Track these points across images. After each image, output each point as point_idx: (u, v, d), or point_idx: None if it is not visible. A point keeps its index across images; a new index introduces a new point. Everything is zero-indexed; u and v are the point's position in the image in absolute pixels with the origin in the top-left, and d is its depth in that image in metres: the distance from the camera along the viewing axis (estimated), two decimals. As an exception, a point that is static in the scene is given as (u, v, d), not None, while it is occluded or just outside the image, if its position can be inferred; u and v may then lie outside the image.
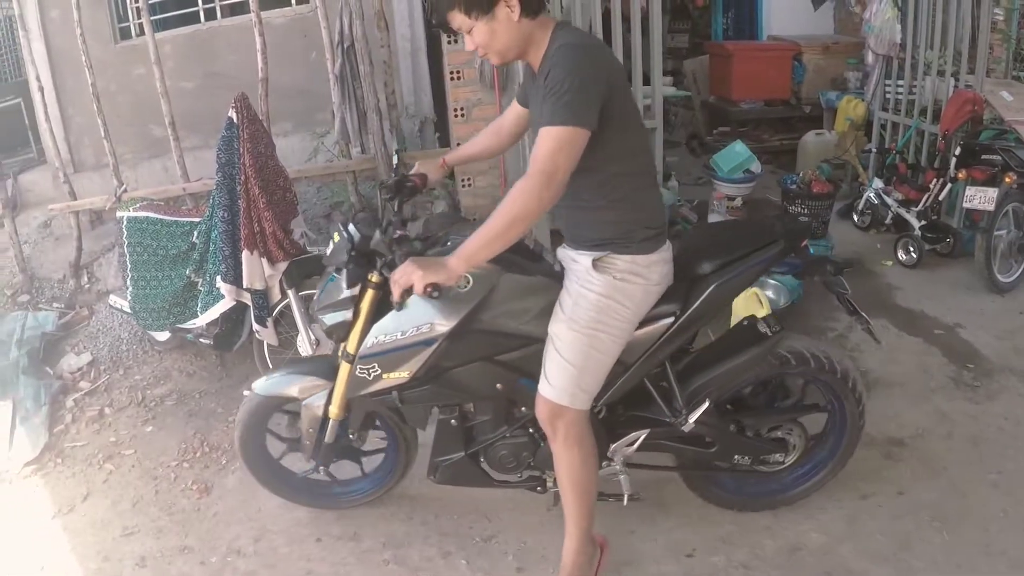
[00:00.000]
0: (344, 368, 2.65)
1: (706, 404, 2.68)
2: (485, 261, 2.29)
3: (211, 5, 6.41)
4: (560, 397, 2.44)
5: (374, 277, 2.51)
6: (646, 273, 2.43)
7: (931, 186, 5.27)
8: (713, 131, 8.34)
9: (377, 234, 2.48)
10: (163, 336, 4.41)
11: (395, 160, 2.89)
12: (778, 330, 2.72)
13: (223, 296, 3.86)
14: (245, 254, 3.74)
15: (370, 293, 2.53)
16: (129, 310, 4.26)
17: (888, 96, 6.46)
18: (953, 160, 5.06)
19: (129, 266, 4.19)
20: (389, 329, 2.52)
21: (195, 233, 4.02)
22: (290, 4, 6.48)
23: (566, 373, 2.42)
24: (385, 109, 5.16)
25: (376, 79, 5.07)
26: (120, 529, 3.28)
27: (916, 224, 5.25)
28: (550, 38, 2.28)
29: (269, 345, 4.06)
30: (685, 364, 2.77)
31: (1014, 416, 3.64)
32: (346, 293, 2.58)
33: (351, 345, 2.59)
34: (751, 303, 3.84)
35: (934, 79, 5.90)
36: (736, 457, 2.89)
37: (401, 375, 2.57)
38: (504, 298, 2.52)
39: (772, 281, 4.24)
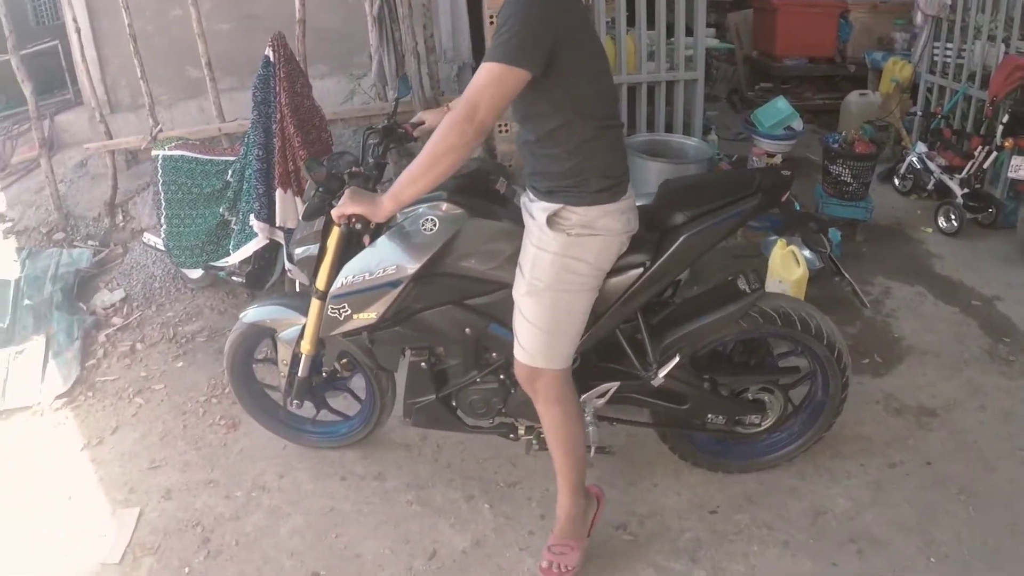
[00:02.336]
0: (315, 304, 2.66)
1: (676, 359, 2.64)
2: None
3: (250, -55, 6.32)
4: (535, 360, 2.41)
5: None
6: (603, 225, 2.33)
7: (976, 153, 5.16)
8: (755, 86, 8.21)
9: (320, 167, 2.46)
10: (196, 274, 4.45)
11: (394, 107, 2.85)
12: (757, 287, 2.66)
13: (256, 234, 3.87)
14: (279, 192, 3.74)
15: (335, 229, 2.52)
16: (163, 248, 4.29)
17: (936, 59, 6.31)
18: (1000, 128, 4.95)
19: (163, 204, 4.21)
20: (357, 270, 2.52)
21: (229, 172, 4.03)
22: (330, -55, 6.37)
23: (536, 337, 2.39)
24: (423, 53, 5.09)
25: (415, 22, 5.00)
26: (147, 462, 3.33)
27: (958, 192, 5.14)
28: None
29: (301, 284, 4.04)
30: (662, 318, 2.72)
31: (1049, 393, 3.57)
32: (314, 227, 2.61)
33: (320, 281, 2.60)
34: (788, 261, 3.78)
35: (984, 43, 5.73)
36: (710, 416, 2.85)
37: (370, 316, 2.57)
38: (471, 242, 2.49)
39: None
